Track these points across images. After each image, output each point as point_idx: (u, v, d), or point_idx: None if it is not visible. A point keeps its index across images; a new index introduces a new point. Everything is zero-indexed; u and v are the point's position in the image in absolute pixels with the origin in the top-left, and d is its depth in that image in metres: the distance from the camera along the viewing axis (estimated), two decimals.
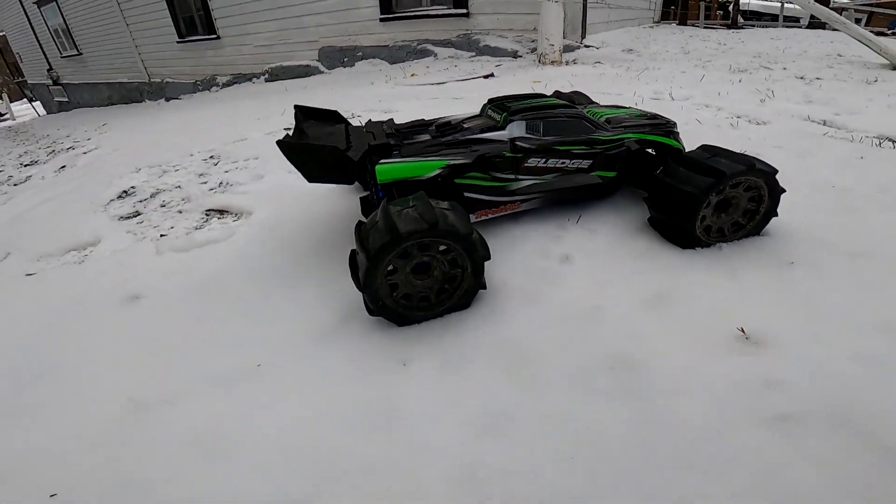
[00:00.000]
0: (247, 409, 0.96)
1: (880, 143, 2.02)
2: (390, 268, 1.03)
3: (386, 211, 1.03)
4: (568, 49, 5.51)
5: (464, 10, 6.19)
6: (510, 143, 1.35)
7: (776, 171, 1.24)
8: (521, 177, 1.37)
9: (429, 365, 1.01)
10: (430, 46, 6.80)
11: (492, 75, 4.71)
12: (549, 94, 2.53)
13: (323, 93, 5.40)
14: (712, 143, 1.37)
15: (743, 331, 1.05)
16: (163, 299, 1.33)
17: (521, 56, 6.06)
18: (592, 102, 1.93)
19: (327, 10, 7.39)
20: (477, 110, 1.62)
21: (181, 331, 1.19)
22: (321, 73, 8.20)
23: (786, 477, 0.77)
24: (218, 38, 9.28)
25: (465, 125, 1.44)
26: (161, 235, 1.82)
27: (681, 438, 0.85)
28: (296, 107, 1.43)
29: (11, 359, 1.19)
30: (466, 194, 1.32)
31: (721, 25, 15.32)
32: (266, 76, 9.06)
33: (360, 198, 1.50)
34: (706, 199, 1.22)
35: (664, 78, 3.84)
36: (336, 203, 1.79)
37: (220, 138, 3.31)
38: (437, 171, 1.26)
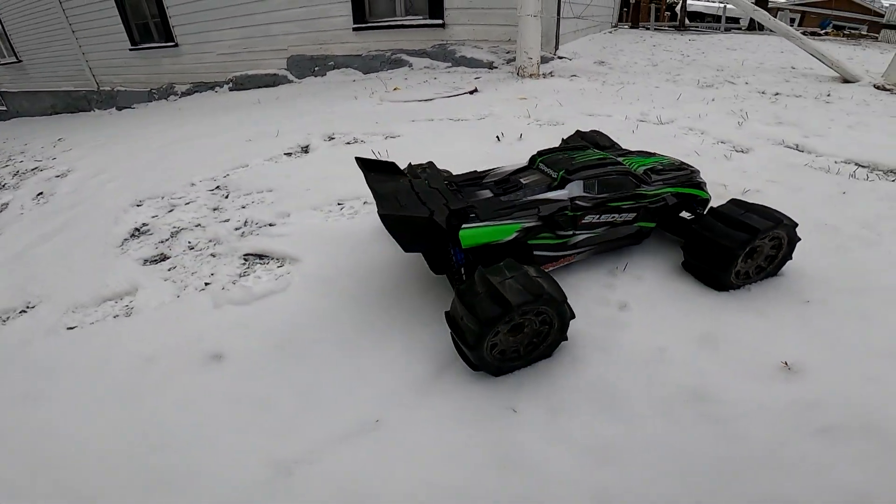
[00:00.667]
0: (381, 462, 1.04)
1: (854, 174, 2.30)
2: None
3: (489, 282, 1.13)
4: (543, 60, 5.71)
5: (440, 21, 6.28)
6: (570, 202, 1.45)
7: (797, 225, 1.44)
8: (577, 232, 1.48)
9: (536, 408, 1.14)
10: (404, 56, 6.85)
11: (476, 90, 4.83)
12: (570, 133, 2.70)
13: (303, 105, 5.35)
14: (734, 198, 1.56)
15: (786, 363, 1.24)
16: (246, 358, 1.37)
17: (496, 67, 6.23)
18: (615, 144, 2.08)
19: (297, 18, 7.26)
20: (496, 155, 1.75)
21: (283, 391, 1.24)
22: (290, 82, 8.05)
23: (834, 474, 0.98)
24: (176, 45, 8.90)
25: (523, 181, 1.53)
26: (206, 284, 1.83)
27: (752, 451, 1.04)
28: (357, 160, 1.48)
29: (114, 424, 1.20)
30: (536, 252, 1.43)
31: (669, 27, 16.17)
32: (230, 85, 8.78)
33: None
34: (742, 253, 1.38)
35: (644, 96, 4.09)
36: (380, 249, 1.86)
37: (216, 164, 3.26)
38: (515, 235, 1.35)
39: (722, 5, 15.58)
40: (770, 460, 1.01)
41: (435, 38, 6.49)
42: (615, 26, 11.66)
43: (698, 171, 1.76)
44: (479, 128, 3.37)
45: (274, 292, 1.67)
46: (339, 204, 2.35)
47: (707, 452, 1.03)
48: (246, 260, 1.97)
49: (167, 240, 2.25)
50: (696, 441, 1.05)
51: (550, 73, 5.48)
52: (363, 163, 1.48)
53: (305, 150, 3.36)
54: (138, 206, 2.74)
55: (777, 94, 4.25)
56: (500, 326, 1.12)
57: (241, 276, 1.86)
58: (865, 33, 17.95)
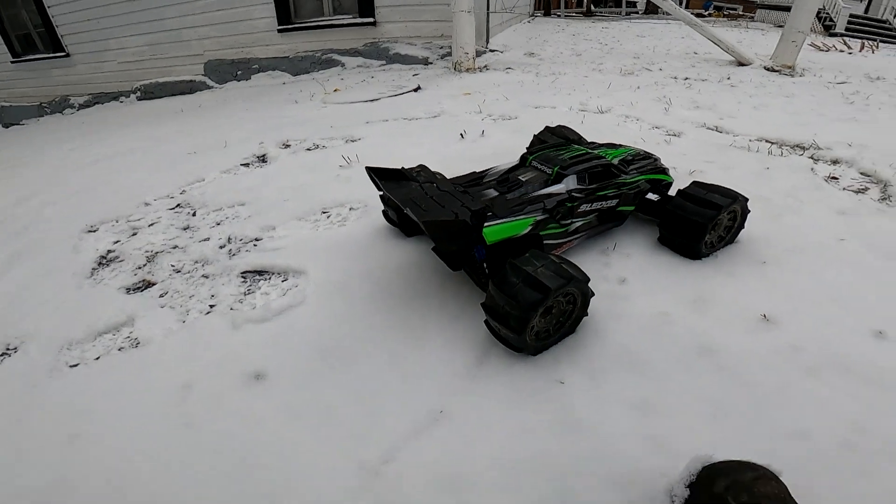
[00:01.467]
0: (459, 447, 1.14)
1: (770, 151, 2.71)
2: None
3: (524, 271, 1.26)
4: (477, 54, 5.90)
5: (371, 19, 6.25)
6: (568, 194, 1.64)
7: (748, 199, 1.75)
8: (574, 220, 1.67)
9: (579, 377, 1.30)
10: (336, 56, 6.74)
11: (419, 88, 4.91)
12: (527, 125, 2.86)
13: (236, 112, 5.11)
14: (695, 180, 1.84)
15: (764, 315, 1.50)
16: (291, 373, 1.38)
17: (432, 63, 6.34)
18: (581, 138, 2.30)
19: (214, 21, 6.86)
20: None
21: (340, 398, 1.28)
22: (210, 88, 7.60)
23: (834, 408, 1.21)
24: (67, 55, 8.05)
25: (521, 178, 1.71)
26: (210, 306, 1.78)
27: (765, 391, 1.27)
28: (368, 169, 1.53)
29: (188, 454, 1.18)
30: (546, 241, 1.60)
31: (577, 13, 17.18)
32: (138, 94, 8.11)
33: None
34: (710, 226, 1.66)
35: (578, 86, 4.41)
36: (385, 251, 1.92)
37: (167, 180, 3.08)
38: (528, 230, 1.50)
39: None
40: (782, 398, 1.23)
41: (367, 36, 6.46)
42: (533, 15, 12.20)
43: (660, 158, 2.04)
44: (437, 126, 3.47)
45: (292, 306, 1.67)
46: (324, 212, 2.35)
47: (729, 396, 1.24)
48: (245, 278, 1.93)
49: (145, 265, 2.13)
50: (716, 387, 1.27)
51: (485, 66, 5.69)
52: (374, 171, 1.53)
53: (263, 159, 3.27)
54: (92, 231, 2.53)
55: (687, 78, 4.77)
56: (540, 310, 1.25)
57: (245, 294, 1.83)
58: (741, 13, 20.20)
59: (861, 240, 1.86)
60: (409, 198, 1.42)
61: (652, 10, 17.05)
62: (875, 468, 1.06)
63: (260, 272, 1.96)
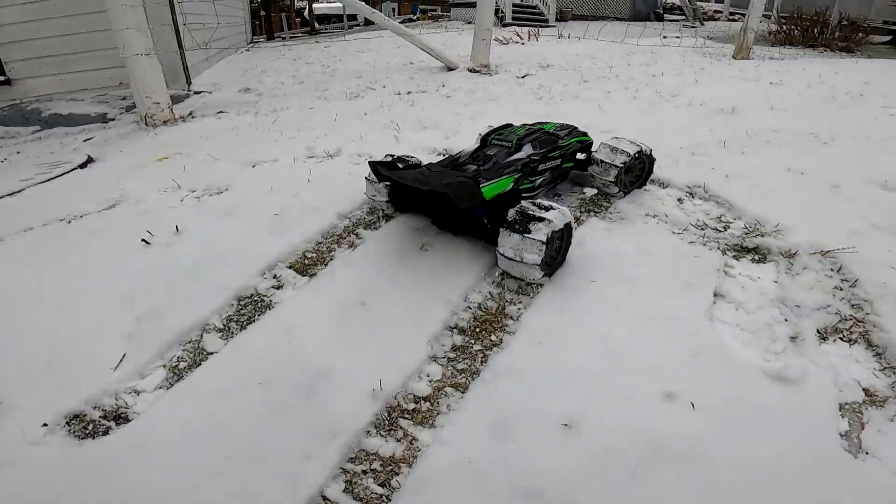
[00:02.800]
0: None
1: None
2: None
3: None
4: (176, 100, 4.86)
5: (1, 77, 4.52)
6: (528, 157, 2.07)
7: (651, 150, 2.33)
8: (537, 177, 2.11)
9: (604, 282, 1.74)
10: None
11: (90, 160, 3.65)
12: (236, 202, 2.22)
13: None
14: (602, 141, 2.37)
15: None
16: None
17: (114, 119, 4.98)
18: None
19: None
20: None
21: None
22: None
23: None
24: None
25: (490, 153, 2.13)
26: None
27: None
28: (371, 163, 1.90)
29: None
30: (523, 195, 1.98)
31: (303, 33, 16.74)
32: None
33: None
34: (624, 168, 2.24)
35: (303, 124, 3.90)
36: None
37: None
38: (511, 186, 1.89)
39: (342, 5, 17.15)
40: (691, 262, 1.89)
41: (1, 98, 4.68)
42: (252, 42, 11.14)
43: (577, 126, 2.49)
44: (110, 229, 2.42)
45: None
46: None
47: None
48: None
49: None
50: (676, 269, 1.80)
51: (190, 114, 4.71)
52: (377, 165, 1.89)
53: None
54: None
55: (410, 92, 4.76)
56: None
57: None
58: (441, 14, 22.68)
59: None
60: (419, 178, 1.77)
61: (369, 21, 17.78)
62: None
63: None
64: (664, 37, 8.63)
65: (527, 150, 2.12)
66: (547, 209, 1.70)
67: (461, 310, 1.74)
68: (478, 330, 1.65)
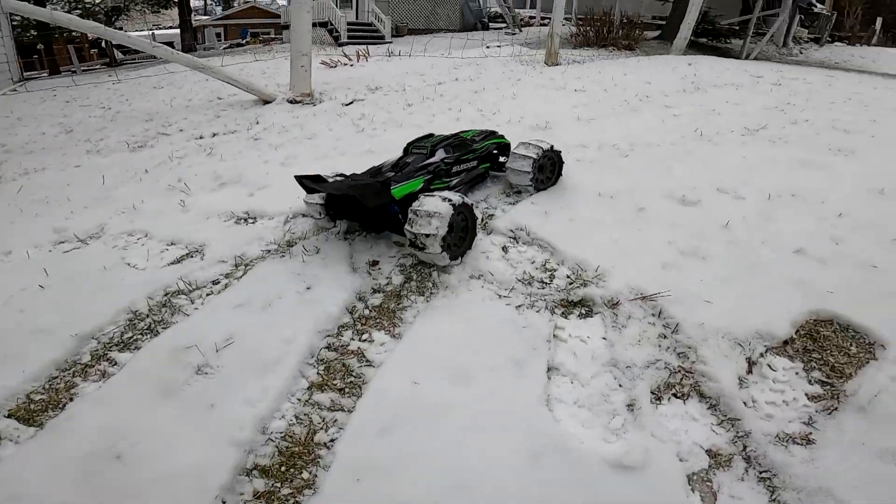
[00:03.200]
0: None
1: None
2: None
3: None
4: None
5: None
6: (441, 161, 2.33)
7: (560, 151, 2.54)
8: (452, 178, 2.36)
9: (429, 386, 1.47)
10: None
11: None
12: None
13: None
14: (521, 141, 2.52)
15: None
16: None
17: None
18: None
19: None
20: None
21: None
22: None
23: None
24: None
25: (408, 161, 2.34)
26: None
27: None
28: (296, 177, 2.04)
29: None
30: (436, 193, 1.97)
31: (101, 66, 14.27)
32: None
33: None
34: (537, 166, 2.44)
35: (59, 194, 2.98)
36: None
37: None
38: (421, 185, 2.13)
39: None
40: None
41: None
42: (19, 81, 8.94)
43: (497, 130, 2.82)
44: None
45: None
46: None
47: None
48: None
49: None
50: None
51: None
52: (305, 178, 2.03)
53: None
54: None
55: (215, 134, 4.08)
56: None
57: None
58: (274, 36, 21.38)
59: None
60: (337, 186, 2.02)
61: (189, 48, 15.75)
62: None
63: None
64: (487, 46, 8.98)
65: (440, 154, 2.37)
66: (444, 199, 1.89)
67: (259, 444, 1.32)
68: (283, 469, 1.26)
